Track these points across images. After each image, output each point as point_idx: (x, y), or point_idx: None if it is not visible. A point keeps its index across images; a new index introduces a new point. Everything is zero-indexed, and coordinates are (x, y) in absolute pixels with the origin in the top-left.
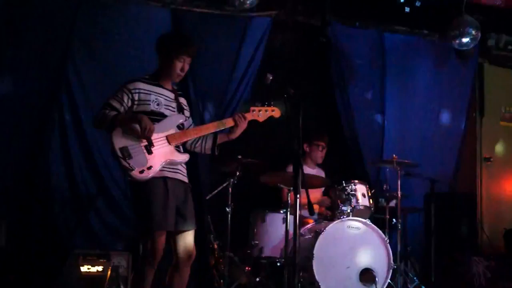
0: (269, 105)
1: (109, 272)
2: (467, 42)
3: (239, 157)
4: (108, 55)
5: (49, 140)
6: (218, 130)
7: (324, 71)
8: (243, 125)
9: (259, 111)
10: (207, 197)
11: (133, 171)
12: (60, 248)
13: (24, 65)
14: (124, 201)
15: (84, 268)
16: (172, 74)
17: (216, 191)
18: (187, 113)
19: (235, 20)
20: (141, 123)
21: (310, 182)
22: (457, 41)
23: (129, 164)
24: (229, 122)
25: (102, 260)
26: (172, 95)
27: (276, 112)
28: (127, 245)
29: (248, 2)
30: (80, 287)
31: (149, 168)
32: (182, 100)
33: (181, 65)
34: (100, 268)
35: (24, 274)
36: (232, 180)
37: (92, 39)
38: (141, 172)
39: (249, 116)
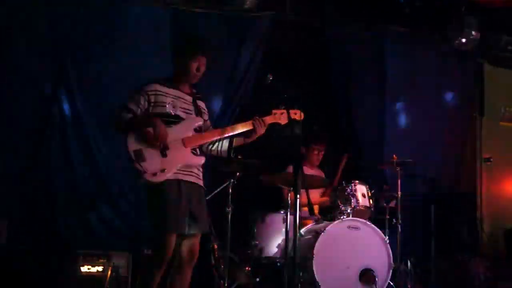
0: (292, 108)
1: (109, 272)
2: (467, 42)
3: (239, 157)
4: (108, 54)
5: (49, 139)
6: (235, 133)
7: (324, 71)
8: (261, 130)
9: (281, 114)
10: (207, 198)
11: (146, 174)
12: (60, 248)
13: (25, 64)
14: (124, 201)
15: (84, 268)
16: (189, 75)
17: (216, 191)
18: (205, 116)
19: (235, 20)
20: (155, 128)
21: (309, 183)
22: (457, 41)
23: (142, 166)
24: (246, 126)
25: (102, 260)
26: (189, 98)
27: (298, 115)
28: (127, 245)
29: (248, 2)
30: (80, 287)
31: (163, 170)
32: (201, 103)
33: (197, 65)
34: (100, 268)
35: (24, 274)
36: (232, 180)
37: (93, 38)
38: (154, 174)
39: (270, 119)
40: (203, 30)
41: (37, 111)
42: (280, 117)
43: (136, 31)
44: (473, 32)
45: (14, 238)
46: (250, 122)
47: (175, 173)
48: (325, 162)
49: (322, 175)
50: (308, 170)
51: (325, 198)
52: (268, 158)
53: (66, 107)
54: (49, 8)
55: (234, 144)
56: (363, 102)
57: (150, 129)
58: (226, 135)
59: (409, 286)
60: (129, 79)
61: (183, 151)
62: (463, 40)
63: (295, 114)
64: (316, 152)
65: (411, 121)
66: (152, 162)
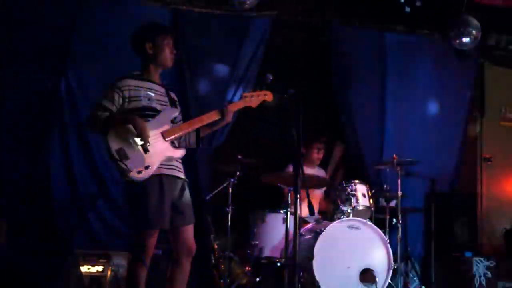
0: (261, 89)
1: (109, 272)
2: (468, 42)
3: (239, 157)
4: (108, 54)
5: (49, 140)
6: (212, 121)
7: (324, 71)
8: (227, 118)
9: (251, 96)
10: (207, 197)
11: (131, 173)
12: (60, 248)
13: (25, 65)
14: (124, 201)
15: (84, 268)
16: (166, 59)
17: (216, 191)
18: (178, 107)
19: (235, 20)
20: (135, 125)
21: (310, 182)
22: (458, 41)
23: (126, 165)
24: (214, 115)
25: (102, 260)
26: (162, 89)
27: (268, 96)
28: (127, 245)
29: (248, 2)
30: (80, 287)
31: (147, 167)
32: (173, 95)
33: (170, 48)
34: (100, 268)
35: (24, 274)
36: (232, 180)
37: (92, 38)
38: (139, 172)
39: (241, 104)
40: (203, 30)
41: (37, 112)
42: (250, 100)
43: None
44: (473, 32)
45: (14, 238)
46: (216, 111)
47: (157, 168)
48: (325, 162)
49: (324, 174)
50: (308, 170)
51: (326, 206)
52: (268, 157)
53: (66, 107)
54: (49, 7)
55: (201, 134)
56: (363, 102)
57: (130, 126)
58: (203, 123)
59: (409, 286)
60: None
61: (164, 145)
62: (463, 40)
63: (265, 95)
64: (316, 151)
65: (411, 120)
66: (135, 160)
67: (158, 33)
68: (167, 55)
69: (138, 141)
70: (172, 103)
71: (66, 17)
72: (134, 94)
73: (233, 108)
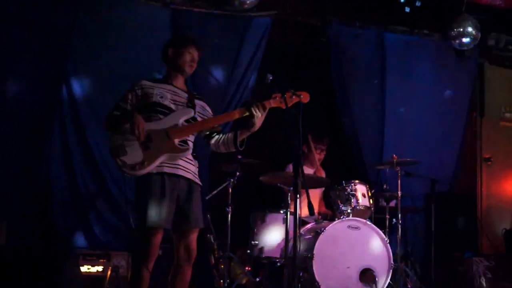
0: (296, 90)
1: (109, 272)
2: (467, 42)
3: (239, 157)
4: (108, 54)
5: (49, 140)
6: (228, 120)
7: (324, 71)
8: (260, 115)
9: (282, 97)
10: (207, 197)
11: (125, 168)
12: (60, 248)
13: (24, 64)
14: (124, 201)
15: (84, 268)
16: (184, 63)
17: (216, 191)
18: (205, 111)
19: (235, 20)
20: (131, 120)
21: (310, 182)
22: (457, 41)
23: (121, 160)
24: (242, 112)
25: (102, 260)
26: (183, 93)
27: (304, 97)
28: (127, 245)
29: (248, 2)
30: (80, 287)
31: (142, 163)
32: (199, 102)
33: (191, 56)
34: (100, 268)
35: (24, 274)
36: (232, 180)
37: (92, 38)
38: (133, 168)
39: (271, 104)
40: (203, 30)
41: (37, 111)
42: (280, 100)
43: (136, 30)
44: (473, 32)
45: (14, 238)
46: (238, 109)
47: (159, 166)
48: (326, 162)
49: (323, 174)
50: (308, 170)
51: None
52: (268, 157)
53: (66, 107)
54: (49, 7)
55: (239, 136)
56: (363, 102)
57: (129, 124)
58: (217, 123)
59: (409, 286)
60: (129, 79)
61: (167, 143)
62: (463, 40)
63: (300, 96)
64: (318, 152)
65: (411, 120)
66: (132, 156)
67: (184, 42)
68: (186, 60)
69: (134, 136)
70: (191, 106)
71: (66, 17)
72: (147, 92)
73: (267, 105)
